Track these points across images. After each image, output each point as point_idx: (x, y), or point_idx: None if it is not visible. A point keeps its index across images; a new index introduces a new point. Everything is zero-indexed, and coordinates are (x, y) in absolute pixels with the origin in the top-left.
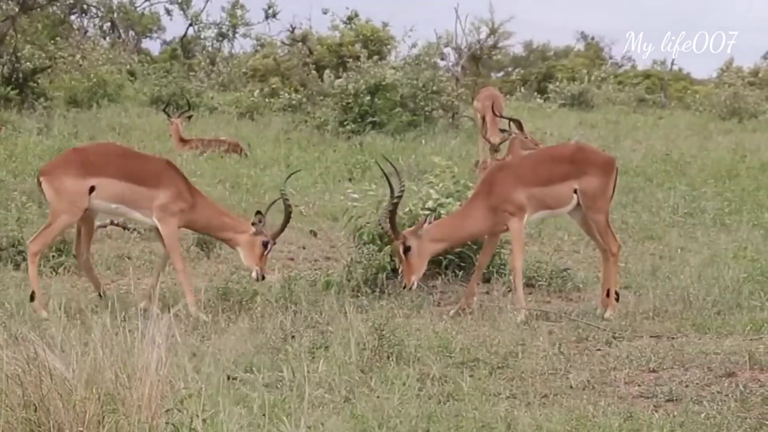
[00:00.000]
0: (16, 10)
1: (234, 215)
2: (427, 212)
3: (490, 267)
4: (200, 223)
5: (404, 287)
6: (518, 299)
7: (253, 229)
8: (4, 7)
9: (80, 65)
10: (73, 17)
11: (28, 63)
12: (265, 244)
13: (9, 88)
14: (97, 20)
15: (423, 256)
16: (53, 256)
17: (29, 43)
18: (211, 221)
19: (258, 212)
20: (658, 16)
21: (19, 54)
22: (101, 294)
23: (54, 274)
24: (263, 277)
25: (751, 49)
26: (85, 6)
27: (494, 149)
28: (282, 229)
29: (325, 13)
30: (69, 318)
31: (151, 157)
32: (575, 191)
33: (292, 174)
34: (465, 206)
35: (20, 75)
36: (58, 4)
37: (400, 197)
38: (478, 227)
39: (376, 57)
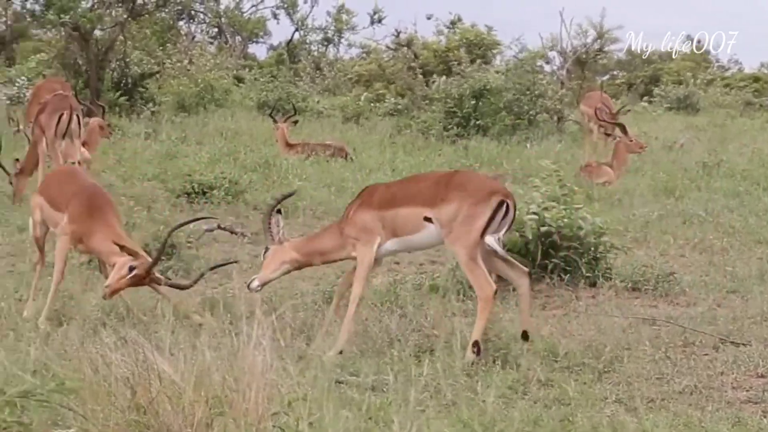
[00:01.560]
0: (125, 16)
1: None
2: (533, 216)
3: (595, 271)
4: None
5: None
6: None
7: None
8: (113, 13)
9: (188, 70)
10: (181, 23)
11: (136, 68)
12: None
13: (118, 94)
14: (204, 26)
15: (274, 261)
16: (161, 260)
17: (138, 49)
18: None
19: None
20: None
21: (128, 59)
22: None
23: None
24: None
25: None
26: (192, 12)
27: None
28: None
29: (429, 18)
30: (177, 321)
31: None
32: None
33: (285, 197)
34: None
35: (129, 80)
36: (167, 10)
37: (280, 201)
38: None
39: (480, 61)
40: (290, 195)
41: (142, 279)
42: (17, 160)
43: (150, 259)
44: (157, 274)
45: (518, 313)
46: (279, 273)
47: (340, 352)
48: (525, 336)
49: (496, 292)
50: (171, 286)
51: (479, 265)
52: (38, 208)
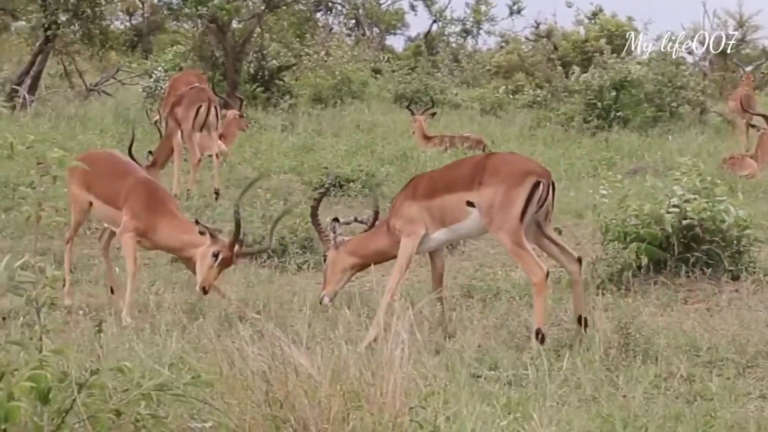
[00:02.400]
0: (263, 8)
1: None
2: (675, 209)
3: (738, 265)
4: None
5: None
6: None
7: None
8: (250, 5)
9: (325, 62)
10: (318, 15)
11: (273, 61)
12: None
13: (255, 86)
14: (342, 17)
15: (334, 269)
16: (297, 253)
17: (275, 41)
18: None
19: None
20: None
21: (265, 52)
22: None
23: (298, 270)
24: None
25: None
26: (330, 3)
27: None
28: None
29: (569, 6)
30: (314, 314)
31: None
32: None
33: (323, 195)
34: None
35: (266, 73)
36: (304, 1)
37: (321, 197)
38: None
39: (621, 52)
40: (327, 190)
41: (230, 260)
42: (150, 152)
43: (226, 239)
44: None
45: (572, 301)
46: (344, 281)
47: (375, 340)
48: (580, 321)
49: (548, 274)
50: (258, 252)
51: (526, 249)
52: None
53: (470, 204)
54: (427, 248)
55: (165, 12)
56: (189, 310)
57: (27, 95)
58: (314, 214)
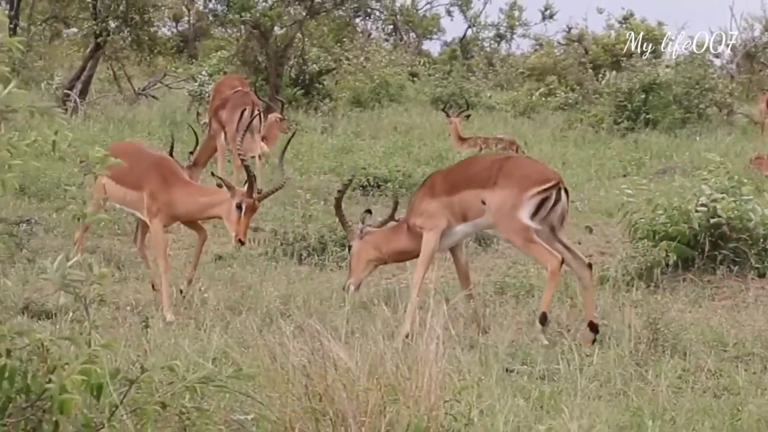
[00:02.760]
0: (304, 14)
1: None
2: (703, 208)
3: (765, 263)
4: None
5: (344, 288)
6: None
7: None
8: (292, 11)
9: (364, 67)
10: (357, 20)
11: (314, 65)
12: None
13: (296, 90)
14: (380, 23)
15: (360, 261)
16: (336, 251)
17: (315, 46)
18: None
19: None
20: None
21: (306, 56)
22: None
23: (338, 268)
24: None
25: None
26: (369, 9)
27: None
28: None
29: (600, 12)
30: (352, 310)
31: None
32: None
33: (347, 186)
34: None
35: (307, 77)
36: (344, 8)
37: (344, 189)
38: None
39: (651, 55)
40: (350, 182)
41: (254, 205)
42: (191, 153)
43: (242, 189)
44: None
45: (583, 307)
46: (369, 271)
47: (407, 336)
48: (592, 326)
49: (562, 261)
50: (274, 191)
51: (537, 242)
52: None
53: (483, 202)
54: (450, 243)
55: (210, 19)
56: (232, 307)
57: (78, 99)
58: (338, 206)
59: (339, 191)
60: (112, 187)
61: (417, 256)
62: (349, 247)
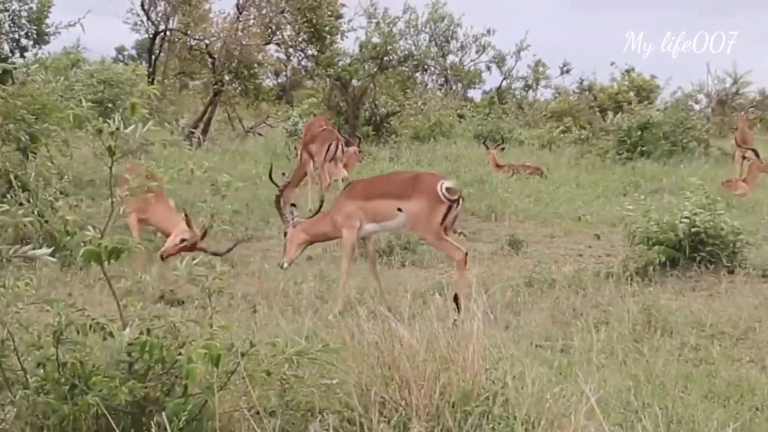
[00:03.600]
0: (375, 69)
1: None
2: (686, 220)
3: (734, 262)
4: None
5: (280, 266)
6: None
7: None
8: (366, 67)
9: (422, 110)
10: (417, 74)
11: (383, 109)
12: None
13: (369, 128)
14: (434, 76)
15: (292, 242)
16: (401, 253)
17: (384, 94)
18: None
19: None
20: None
21: (377, 102)
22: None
23: (402, 266)
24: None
25: None
26: (426, 66)
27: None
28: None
29: (612, 64)
30: (413, 298)
31: None
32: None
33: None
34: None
35: (377, 118)
36: (407, 65)
37: (283, 188)
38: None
39: (645, 102)
40: (287, 185)
41: (192, 247)
42: (284, 174)
43: (198, 234)
44: (204, 245)
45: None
46: (299, 251)
47: (339, 313)
48: (456, 299)
49: (467, 254)
50: (213, 254)
51: (446, 239)
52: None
53: (399, 210)
54: (361, 235)
55: (303, 73)
56: (320, 296)
57: (200, 136)
58: (278, 201)
59: (280, 190)
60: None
61: (333, 238)
62: (285, 234)
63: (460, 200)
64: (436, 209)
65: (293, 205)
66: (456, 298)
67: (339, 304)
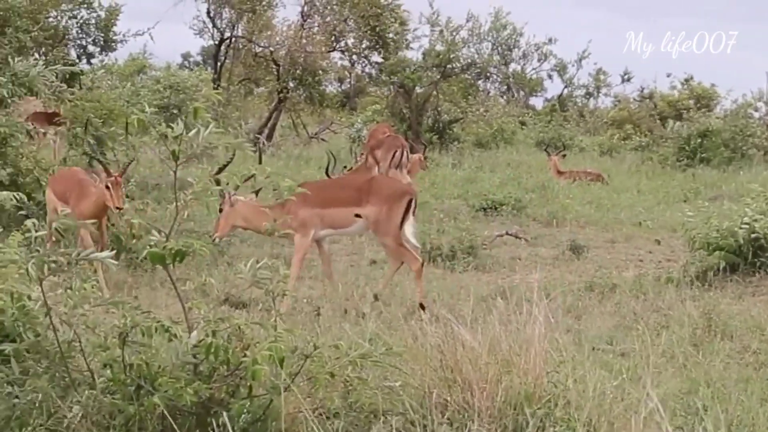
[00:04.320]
0: (438, 77)
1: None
2: (745, 227)
3: None
4: None
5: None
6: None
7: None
8: (429, 74)
9: (484, 117)
10: (479, 82)
11: (446, 116)
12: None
13: (432, 134)
14: (497, 84)
15: (227, 220)
16: (463, 258)
17: (447, 101)
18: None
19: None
20: None
21: (440, 109)
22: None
23: (464, 270)
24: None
25: None
26: (488, 74)
27: None
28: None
29: (668, 76)
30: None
31: None
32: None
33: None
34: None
35: (440, 124)
36: (469, 72)
37: (223, 167)
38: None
39: (704, 109)
40: (228, 164)
41: (117, 180)
42: (345, 167)
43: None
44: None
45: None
46: (229, 230)
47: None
48: (422, 307)
49: (423, 264)
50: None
51: (404, 247)
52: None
53: (357, 216)
54: (315, 238)
55: (367, 80)
56: (383, 299)
57: (265, 142)
58: (217, 178)
59: (219, 169)
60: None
61: (262, 233)
62: (221, 209)
63: (415, 199)
64: (395, 211)
65: (256, 192)
66: (421, 305)
67: (284, 306)
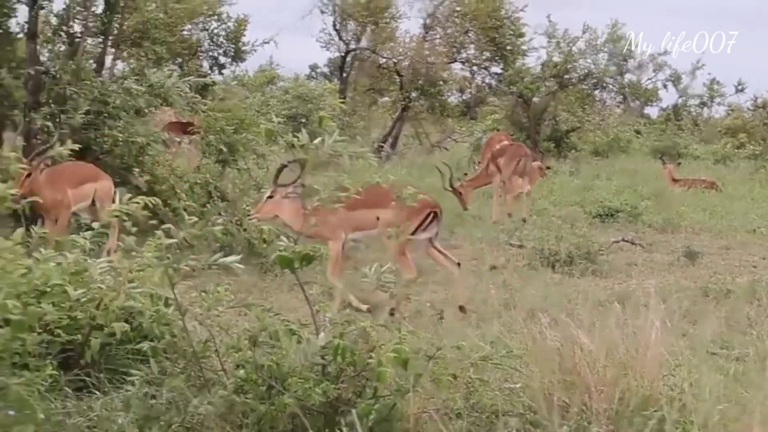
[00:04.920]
0: (556, 87)
1: None
2: None
3: None
4: None
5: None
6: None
7: None
8: (547, 84)
9: (600, 126)
10: (596, 92)
11: (563, 125)
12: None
13: (550, 143)
14: (613, 93)
15: (270, 207)
16: (581, 263)
17: (565, 111)
18: None
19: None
20: None
21: (557, 118)
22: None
23: (582, 276)
24: None
25: None
26: (604, 84)
27: None
28: None
29: None
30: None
31: None
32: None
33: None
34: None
35: (558, 133)
36: (586, 83)
37: (284, 167)
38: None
39: None
40: (285, 167)
41: (29, 171)
42: (465, 174)
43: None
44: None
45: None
46: (269, 218)
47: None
48: (461, 309)
49: (417, 276)
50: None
51: (407, 256)
52: None
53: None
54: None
55: (487, 90)
56: (504, 304)
57: (389, 150)
58: (276, 176)
59: (278, 170)
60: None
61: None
62: (270, 196)
63: (438, 214)
64: (411, 220)
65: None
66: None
67: (336, 303)
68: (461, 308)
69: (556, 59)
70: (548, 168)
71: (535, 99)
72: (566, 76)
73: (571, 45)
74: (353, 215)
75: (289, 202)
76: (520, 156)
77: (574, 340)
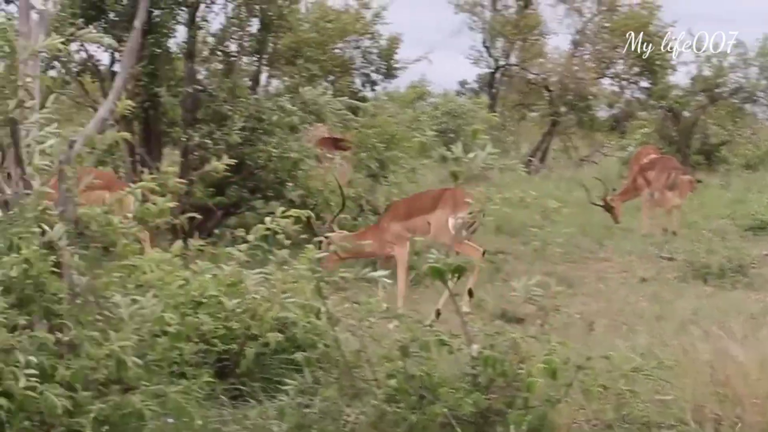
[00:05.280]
0: (706, 101)
1: None
2: None
3: None
4: None
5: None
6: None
7: None
8: (697, 99)
9: (751, 140)
10: (746, 105)
11: (713, 138)
12: None
13: (700, 156)
14: (764, 107)
15: (330, 257)
16: (732, 276)
17: (715, 124)
18: None
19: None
20: None
21: (707, 132)
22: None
23: (733, 288)
24: None
25: None
26: (754, 98)
27: None
28: None
29: None
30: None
31: None
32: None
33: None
34: None
35: (708, 147)
36: (737, 96)
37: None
38: None
39: None
40: (339, 212)
41: None
42: (613, 189)
43: None
44: None
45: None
46: (337, 265)
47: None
48: (470, 293)
49: (484, 252)
50: None
51: (464, 242)
52: None
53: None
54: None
55: (636, 105)
56: (654, 316)
57: (538, 164)
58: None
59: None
60: None
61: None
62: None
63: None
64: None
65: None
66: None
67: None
68: (469, 292)
69: (706, 73)
70: (699, 181)
71: (684, 113)
72: (717, 90)
73: (721, 59)
74: (409, 224)
75: (337, 239)
76: (669, 169)
77: (726, 352)
